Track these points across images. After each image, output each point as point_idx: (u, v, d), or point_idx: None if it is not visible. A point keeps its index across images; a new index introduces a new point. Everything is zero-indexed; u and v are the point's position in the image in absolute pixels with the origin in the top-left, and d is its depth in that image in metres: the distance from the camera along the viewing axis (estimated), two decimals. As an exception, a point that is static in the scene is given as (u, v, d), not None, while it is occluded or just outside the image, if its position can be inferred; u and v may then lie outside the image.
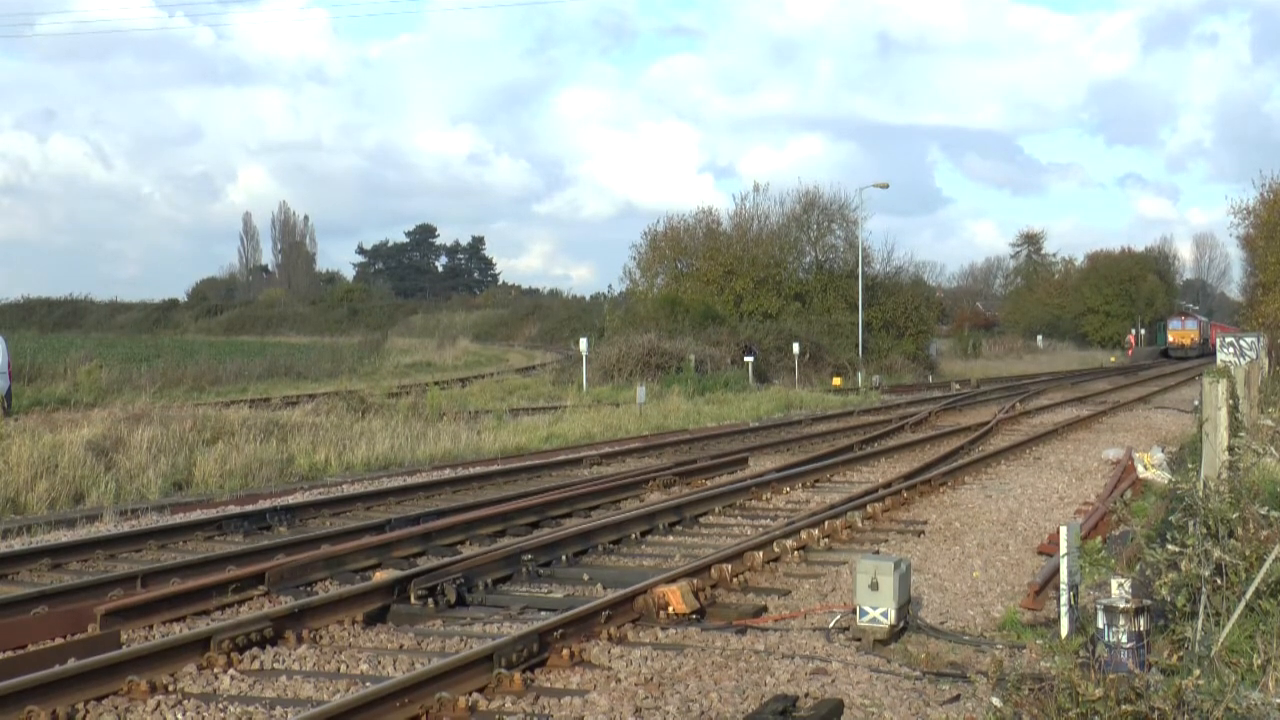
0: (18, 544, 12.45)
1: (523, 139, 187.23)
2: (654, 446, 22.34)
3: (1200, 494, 8.08)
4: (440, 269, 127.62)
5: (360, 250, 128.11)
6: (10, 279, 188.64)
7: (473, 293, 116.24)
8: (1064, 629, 8.70)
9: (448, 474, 18.01)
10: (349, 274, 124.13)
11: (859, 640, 8.75)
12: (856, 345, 48.82)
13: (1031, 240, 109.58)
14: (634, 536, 13.09)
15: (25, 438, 16.69)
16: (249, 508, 14.43)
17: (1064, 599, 8.76)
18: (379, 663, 8.30)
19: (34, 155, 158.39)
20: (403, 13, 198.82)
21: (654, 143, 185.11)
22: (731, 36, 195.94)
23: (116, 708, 7.29)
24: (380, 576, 10.46)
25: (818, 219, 55.96)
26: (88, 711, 7.20)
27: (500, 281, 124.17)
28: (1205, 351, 71.72)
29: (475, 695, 7.46)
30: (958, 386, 43.95)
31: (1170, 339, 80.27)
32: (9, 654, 8.16)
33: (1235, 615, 7.32)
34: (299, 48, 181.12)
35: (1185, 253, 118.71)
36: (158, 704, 7.31)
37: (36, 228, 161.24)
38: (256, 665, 8.25)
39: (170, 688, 7.68)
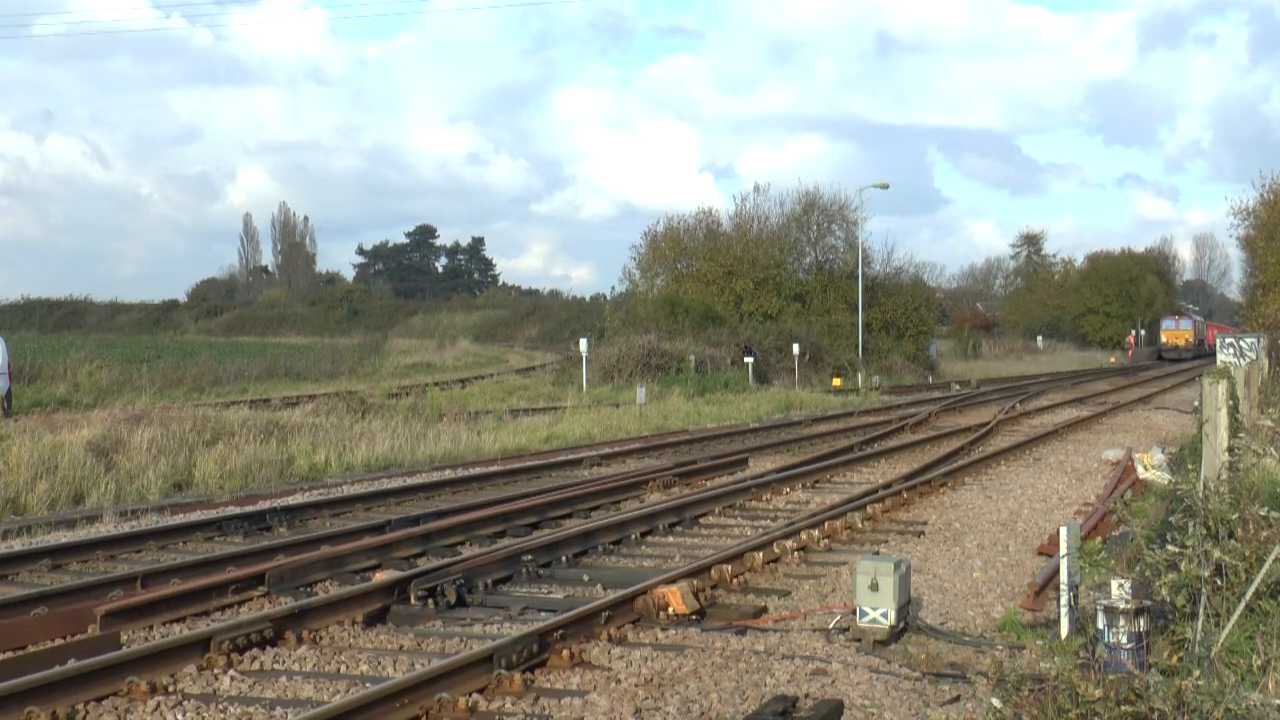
0: (18, 544, 12.45)
1: (521, 139, 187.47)
2: (654, 447, 22.34)
3: (1200, 495, 8.08)
4: (440, 269, 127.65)
5: (360, 251, 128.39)
6: (10, 279, 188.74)
7: (473, 293, 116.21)
8: (1064, 630, 8.69)
9: (448, 475, 18.02)
10: (349, 274, 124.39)
11: (859, 641, 8.75)
12: (856, 346, 48.82)
13: (1031, 241, 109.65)
14: (634, 537, 13.09)
15: (25, 438, 16.69)
16: (249, 508, 14.44)
17: (1064, 600, 8.75)
18: (379, 663, 8.31)
19: (32, 155, 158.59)
20: (401, 13, 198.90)
21: (653, 143, 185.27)
22: (730, 36, 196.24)
23: (116, 708, 7.29)
24: (380, 577, 10.46)
25: (817, 219, 55.95)
26: (88, 712, 7.21)
27: (500, 282, 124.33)
28: (1201, 353, 70.35)
29: (475, 696, 7.46)
30: (958, 387, 43.95)
31: (1163, 339, 77.10)
32: (9, 654, 8.16)
33: (1235, 616, 7.32)
34: (297, 48, 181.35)
35: (1185, 253, 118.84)
36: (158, 705, 7.31)
37: (36, 228, 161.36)
38: (256, 666, 8.25)
39: (170, 688, 7.68)
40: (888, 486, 16.21)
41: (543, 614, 9.47)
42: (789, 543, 12.09)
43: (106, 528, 13.57)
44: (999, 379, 49.59)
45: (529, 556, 11.31)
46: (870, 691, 7.71)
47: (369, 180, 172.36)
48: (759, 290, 51.91)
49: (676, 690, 7.68)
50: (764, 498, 16.00)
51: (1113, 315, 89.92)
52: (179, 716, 7.19)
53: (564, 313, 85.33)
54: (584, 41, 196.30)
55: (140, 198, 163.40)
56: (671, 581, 9.86)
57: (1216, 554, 7.51)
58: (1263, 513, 7.80)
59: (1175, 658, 7.38)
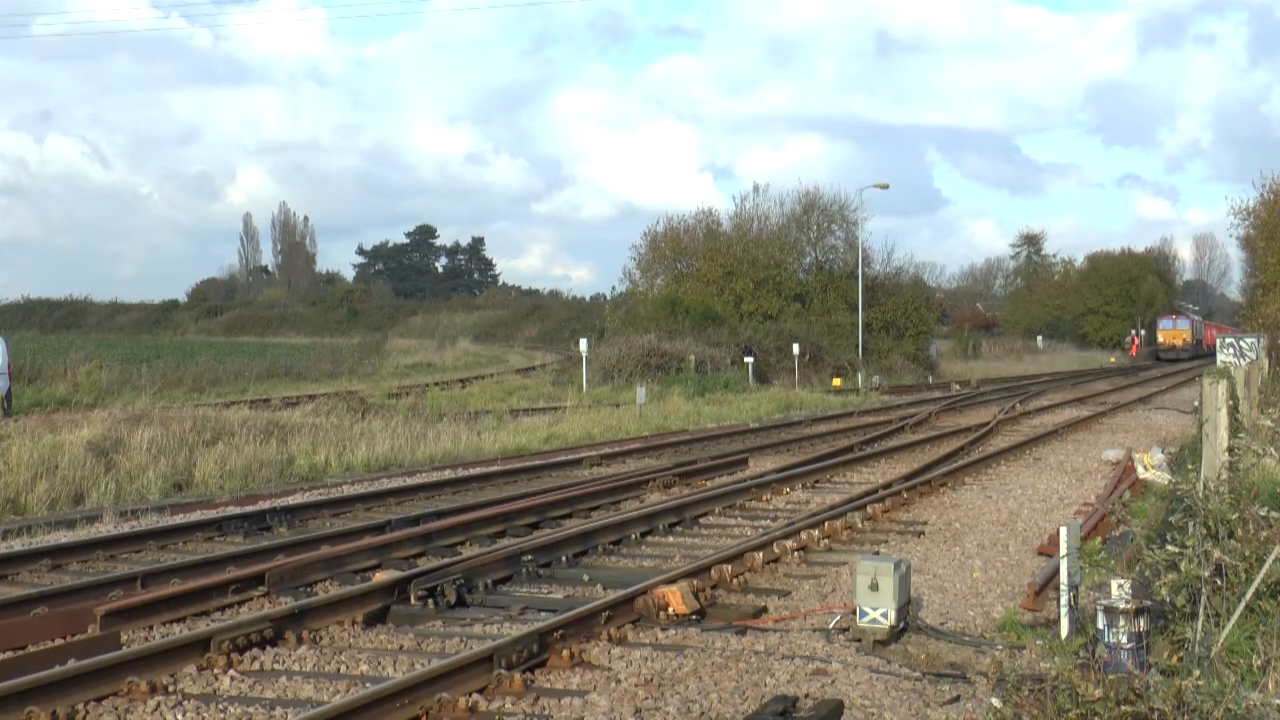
0: (18, 544, 12.45)
1: (521, 139, 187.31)
2: (654, 447, 22.34)
3: (1200, 495, 8.08)
4: (440, 270, 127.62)
5: (360, 251, 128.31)
6: (10, 279, 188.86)
7: (473, 293, 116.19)
8: (1064, 630, 8.70)
9: (448, 475, 18.01)
10: (349, 274, 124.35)
11: (859, 641, 8.75)
12: (856, 346, 48.82)
13: (1031, 241, 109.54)
14: (634, 537, 13.09)
15: (25, 438, 16.69)
16: (249, 508, 14.43)
17: (1064, 600, 8.76)
18: (379, 663, 8.31)
19: (32, 155, 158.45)
20: (400, 13, 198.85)
21: (653, 143, 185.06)
22: (729, 36, 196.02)
23: (116, 708, 7.29)
24: (380, 577, 10.46)
25: (817, 219, 55.99)
26: (88, 712, 7.20)
27: (500, 282, 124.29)
28: (1199, 353, 69.52)
29: (475, 696, 7.46)
30: (958, 387, 43.96)
31: (1160, 339, 75.18)
32: (9, 654, 8.16)
33: (1235, 616, 7.32)
34: (296, 48, 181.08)
35: (1185, 253, 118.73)
36: (158, 705, 7.31)
37: (36, 228, 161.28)
38: (256, 666, 8.25)
39: (170, 688, 7.68)
40: (888, 486, 16.21)
41: (543, 614, 9.46)
42: (789, 543, 12.09)
43: (106, 528, 13.56)
44: (999, 379, 49.60)
45: (529, 556, 11.31)
46: (870, 691, 7.71)
47: (369, 180, 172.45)
48: (759, 290, 51.93)
49: (676, 690, 7.68)
50: (764, 498, 16.00)
51: (1113, 315, 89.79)
52: (179, 716, 7.19)
53: (564, 313, 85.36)
54: (584, 41, 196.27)
55: (140, 198, 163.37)
56: (671, 581, 9.86)
57: (1216, 554, 7.51)
58: (1263, 513, 7.80)
59: (1175, 658, 7.38)
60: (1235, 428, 10.68)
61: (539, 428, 24.68)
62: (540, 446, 22.67)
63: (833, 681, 7.91)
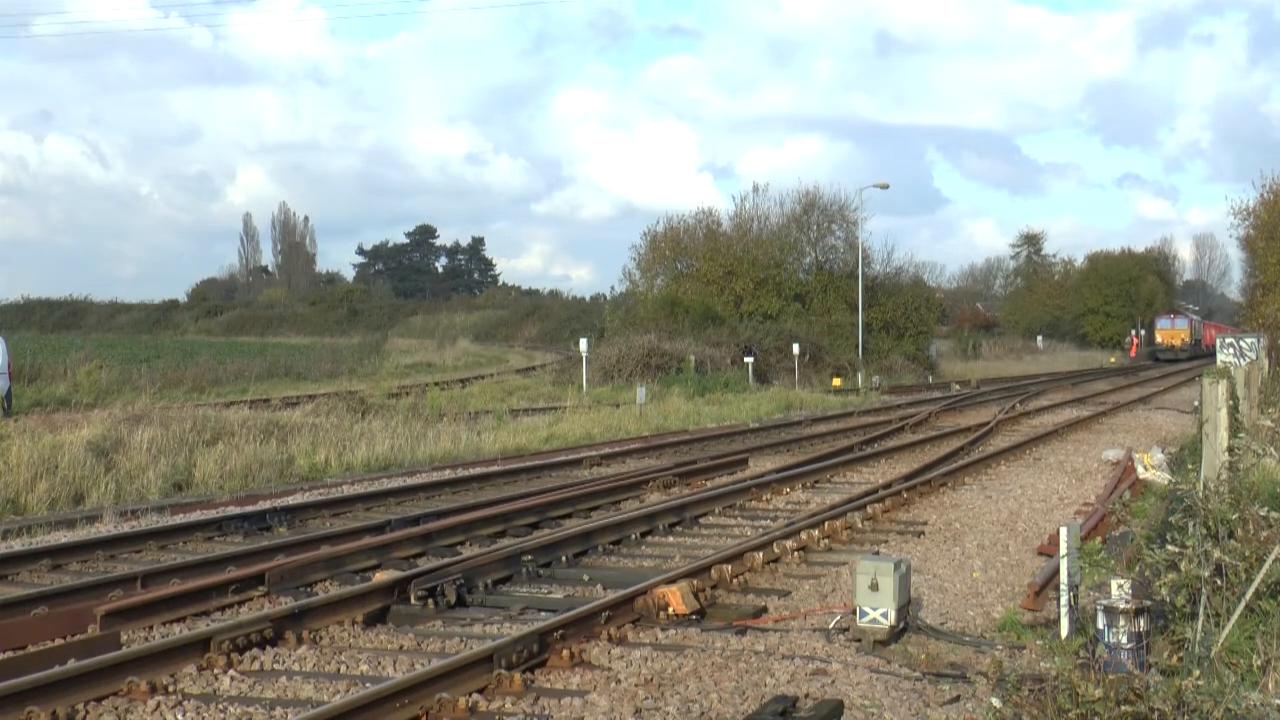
0: (18, 544, 12.45)
1: (521, 139, 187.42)
2: (654, 447, 22.34)
3: (1200, 495, 8.08)
4: (440, 269, 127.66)
5: (360, 251, 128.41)
6: (10, 279, 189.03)
7: (473, 293, 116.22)
8: (1064, 630, 8.70)
9: (448, 475, 18.01)
10: (349, 274, 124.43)
11: (859, 641, 8.75)
12: (856, 346, 48.82)
13: (1031, 241, 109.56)
14: (634, 537, 13.09)
15: (25, 438, 16.69)
16: (249, 508, 14.44)
17: (1064, 600, 8.76)
18: (379, 663, 8.31)
19: (31, 155, 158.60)
20: (400, 13, 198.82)
21: (653, 143, 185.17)
22: (729, 36, 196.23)
23: (116, 708, 7.29)
24: (380, 577, 10.46)
25: (817, 219, 55.98)
26: (88, 712, 7.20)
27: (500, 282, 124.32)
28: (1197, 353, 69.00)
29: (475, 696, 7.46)
30: (958, 387, 43.95)
31: (1158, 339, 73.94)
32: (9, 654, 8.16)
33: (1235, 616, 7.33)
34: (296, 48, 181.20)
35: (1185, 253, 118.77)
36: (158, 705, 7.31)
37: (36, 228, 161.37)
38: (256, 666, 8.25)
39: (170, 688, 7.68)
40: (888, 486, 16.21)
41: (543, 614, 9.47)
42: (789, 543, 12.09)
43: (106, 528, 13.56)
44: (999, 379, 49.59)
45: (529, 556, 11.31)
46: (870, 691, 7.71)
47: (369, 180, 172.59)
48: (759, 290, 51.92)
49: (676, 690, 7.68)
50: (764, 498, 16.00)
51: (1113, 315, 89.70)
52: (179, 716, 7.19)
53: (564, 313, 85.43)
54: (583, 41, 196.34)
55: (140, 198, 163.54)
56: (671, 581, 9.86)
57: (1216, 554, 7.51)
58: (1263, 513, 7.80)
59: (1175, 658, 7.39)
60: (1235, 428, 10.68)
61: (539, 428, 24.68)
62: (540, 446, 22.67)
63: (833, 681, 7.91)
